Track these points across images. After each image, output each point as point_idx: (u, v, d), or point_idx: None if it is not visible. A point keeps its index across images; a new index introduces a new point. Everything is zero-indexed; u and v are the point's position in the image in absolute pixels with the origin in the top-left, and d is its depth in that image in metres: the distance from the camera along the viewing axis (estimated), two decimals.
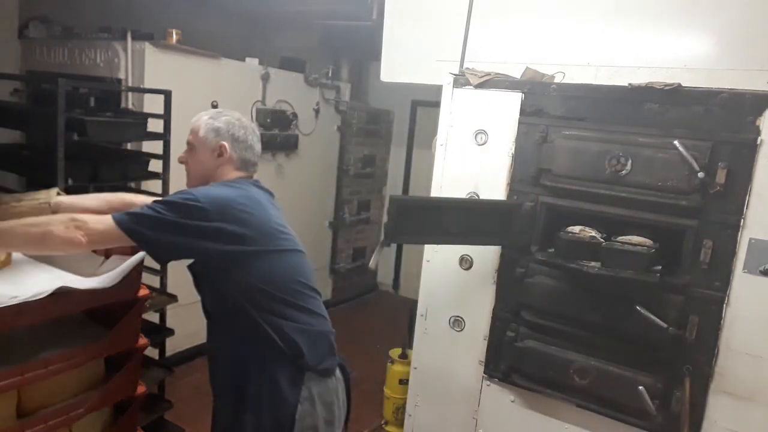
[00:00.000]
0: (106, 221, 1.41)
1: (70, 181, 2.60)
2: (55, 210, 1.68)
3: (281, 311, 1.60)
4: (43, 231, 1.36)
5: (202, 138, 1.71)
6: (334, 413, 1.72)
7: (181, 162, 1.78)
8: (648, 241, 2.15)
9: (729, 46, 2.21)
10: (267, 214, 1.67)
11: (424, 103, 5.39)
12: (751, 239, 2.00)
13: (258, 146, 1.79)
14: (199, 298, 1.65)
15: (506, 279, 2.46)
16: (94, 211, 1.72)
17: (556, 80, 2.45)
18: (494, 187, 2.45)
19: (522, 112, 2.39)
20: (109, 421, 1.52)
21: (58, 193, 1.74)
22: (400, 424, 3.21)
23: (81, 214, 1.44)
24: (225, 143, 1.70)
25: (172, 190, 3.01)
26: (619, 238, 2.19)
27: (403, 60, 3.00)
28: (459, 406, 2.66)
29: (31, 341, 1.30)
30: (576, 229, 2.27)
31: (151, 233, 1.41)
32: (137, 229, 1.40)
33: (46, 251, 1.48)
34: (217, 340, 1.71)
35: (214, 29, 4.56)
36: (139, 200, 1.81)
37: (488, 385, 2.56)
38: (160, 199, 1.56)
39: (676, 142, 2.03)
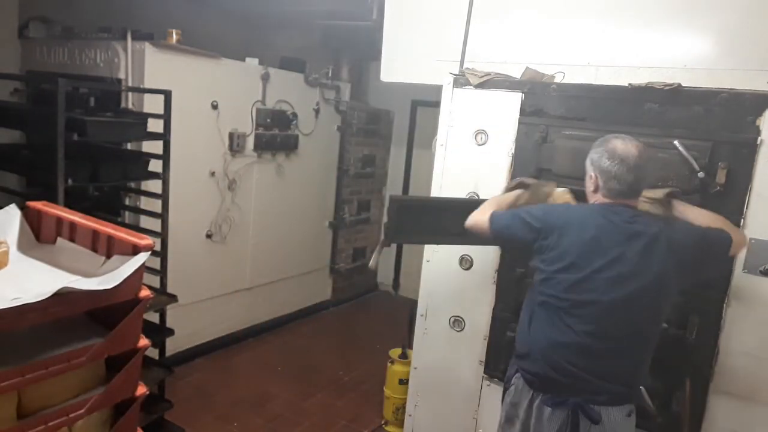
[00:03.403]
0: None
1: (70, 181, 2.60)
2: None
3: None
4: None
5: (586, 165, 1.90)
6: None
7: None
8: None
9: (729, 46, 2.21)
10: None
11: (424, 103, 5.39)
12: (751, 239, 2.00)
13: (629, 175, 1.78)
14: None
15: (506, 279, 2.46)
16: None
17: (556, 80, 2.45)
18: (494, 187, 2.45)
19: (522, 112, 2.39)
20: (109, 422, 1.51)
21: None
22: (400, 424, 3.22)
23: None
24: (594, 174, 1.86)
25: (171, 190, 3.01)
26: None
27: (403, 60, 3.00)
28: (459, 406, 2.66)
29: (32, 342, 1.30)
30: None
31: None
32: None
33: None
34: None
35: (214, 29, 4.56)
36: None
37: (488, 385, 2.56)
38: None
39: (676, 142, 2.03)
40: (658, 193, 1.99)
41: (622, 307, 1.76)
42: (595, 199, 1.88)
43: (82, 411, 1.37)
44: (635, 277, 1.74)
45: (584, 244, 1.78)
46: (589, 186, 1.89)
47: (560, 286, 1.81)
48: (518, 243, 2.01)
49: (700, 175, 2.00)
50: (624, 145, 1.80)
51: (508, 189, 2.24)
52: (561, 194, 2.14)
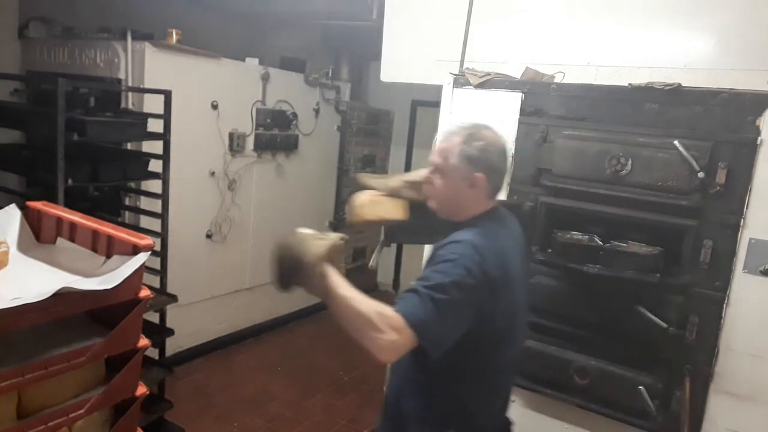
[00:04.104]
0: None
1: (70, 181, 2.60)
2: (417, 188, 1.70)
3: None
4: (362, 329, 1.33)
5: (454, 166, 1.53)
6: None
7: (426, 182, 1.62)
8: (647, 248, 2.14)
9: (729, 46, 2.21)
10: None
11: (424, 103, 5.39)
12: (751, 239, 2.00)
13: (507, 168, 1.60)
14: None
15: None
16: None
17: (556, 80, 2.45)
18: None
19: (522, 112, 2.39)
20: (109, 422, 1.51)
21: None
22: None
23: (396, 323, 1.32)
24: (481, 175, 1.51)
25: (171, 190, 3.01)
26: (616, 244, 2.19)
27: (403, 60, 3.00)
28: None
29: (32, 342, 1.30)
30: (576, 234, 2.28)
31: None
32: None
33: (354, 336, 1.37)
34: None
35: (214, 29, 4.56)
36: None
37: None
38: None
39: (676, 142, 2.03)
40: (416, 176, 1.78)
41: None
42: (477, 207, 1.57)
43: (82, 411, 1.37)
44: (525, 288, 1.67)
45: (517, 277, 1.53)
46: (467, 191, 1.54)
47: (516, 332, 1.58)
48: (467, 324, 1.43)
49: (700, 175, 2.00)
50: (497, 136, 1.56)
51: (326, 257, 1.46)
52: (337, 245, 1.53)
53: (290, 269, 1.40)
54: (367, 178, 1.86)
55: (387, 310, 1.36)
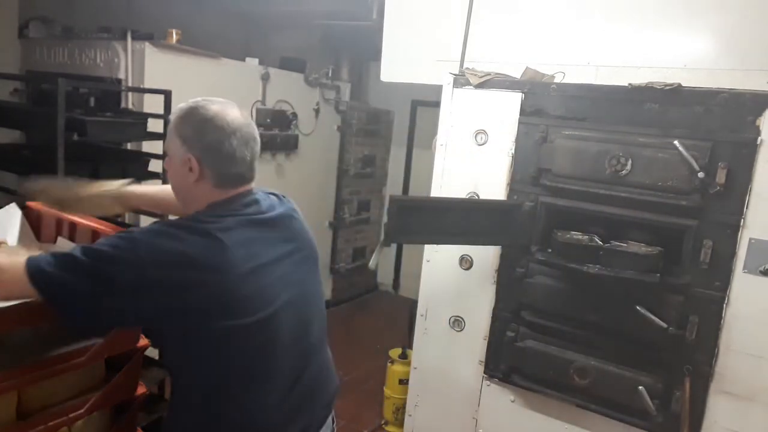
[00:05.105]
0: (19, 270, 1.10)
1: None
2: (120, 199, 1.61)
3: None
4: None
5: (173, 147, 1.30)
6: None
7: (166, 169, 1.40)
8: (647, 248, 2.14)
9: (729, 46, 2.21)
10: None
11: (424, 103, 5.39)
12: (751, 239, 2.00)
13: (249, 152, 1.32)
14: None
15: (506, 279, 2.46)
16: (160, 202, 1.68)
17: (556, 80, 2.45)
18: (494, 187, 2.45)
19: (522, 112, 2.39)
20: (108, 422, 1.52)
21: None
22: (400, 424, 3.22)
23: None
24: (192, 156, 1.26)
25: None
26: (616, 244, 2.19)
27: (403, 60, 3.00)
28: (459, 406, 2.66)
29: (32, 342, 1.30)
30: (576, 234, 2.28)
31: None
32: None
33: None
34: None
35: (214, 29, 4.56)
36: None
37: (488, 385, 2.56)
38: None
39: (676, 142, 2.03)
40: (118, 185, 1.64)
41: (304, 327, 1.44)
42: (205, 197, 1.30)
43: (82, 411, 1.37)
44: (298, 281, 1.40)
45: (268, 269, 1.28)
46: (185, 175, 1.28)
47: (276, 340, 1.30)
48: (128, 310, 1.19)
49: (700, 175, 2.00)
50: (228, 112, 1.30)
51: None
52: None
53: None
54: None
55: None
